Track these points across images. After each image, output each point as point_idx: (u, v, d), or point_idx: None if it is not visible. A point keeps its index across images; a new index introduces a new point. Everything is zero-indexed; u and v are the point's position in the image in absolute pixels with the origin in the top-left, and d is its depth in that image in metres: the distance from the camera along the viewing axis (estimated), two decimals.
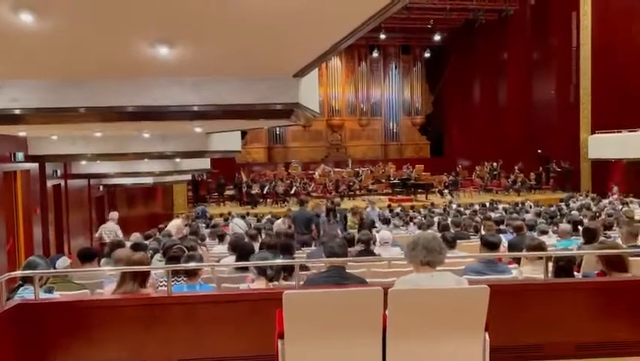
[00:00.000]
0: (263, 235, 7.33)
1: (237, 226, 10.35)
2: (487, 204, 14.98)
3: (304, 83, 4.49)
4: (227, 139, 8.22)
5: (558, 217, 10.01)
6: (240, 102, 4.29)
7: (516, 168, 21.31)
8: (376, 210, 13.05)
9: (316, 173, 23.04)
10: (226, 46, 3.34)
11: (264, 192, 19.73)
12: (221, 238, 7.67)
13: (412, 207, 15.79)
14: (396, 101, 27.93)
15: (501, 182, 21.65)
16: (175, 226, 10.05)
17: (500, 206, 14.20)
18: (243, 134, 25.80)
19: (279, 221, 10.19)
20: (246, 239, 6.42)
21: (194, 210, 16.27)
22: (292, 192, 19.54)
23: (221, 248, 7.15)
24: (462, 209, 14.15)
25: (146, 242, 6.62)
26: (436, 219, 11.63)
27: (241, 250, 4.80)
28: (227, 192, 21.24)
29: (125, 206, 14.47)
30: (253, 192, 19.39)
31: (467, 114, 25.70)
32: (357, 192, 21.19)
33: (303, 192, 20.00)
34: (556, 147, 21.13)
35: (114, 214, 9.89)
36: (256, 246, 5.49)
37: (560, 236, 6.79)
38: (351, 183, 21.15)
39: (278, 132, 26.70)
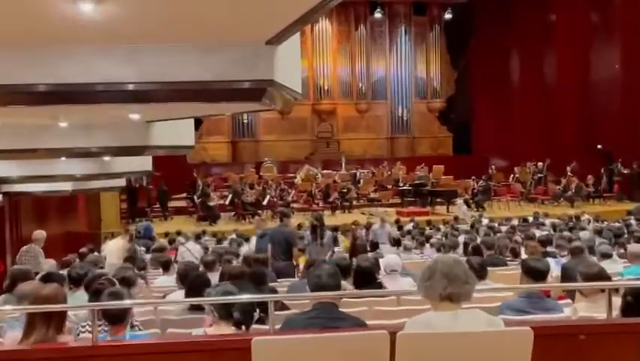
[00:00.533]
0: (226, 262, 7.31)
1: (189, 251, 10.39)
2: (530, 219, 15.15)
3: (281, 54, 4.51)
4: (175, 130, 8.17)
5: (625, 236, 10.18)
6: (192, 79, 4.28)
7: (568, 169, 21.63)
8: (387, 229, 13.26)
9: (298, 176, 23.17)
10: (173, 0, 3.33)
11: (227, 202, 19.74)
12: (166, 266, 7.67)
13: (429, 223, 15.95)
14: (406, 78, 28.27)
15: (548, 188, 21.97)
16: (115, 249, 10.02)
17: (547, 221, 14.37)
18: (198, 123, 25.85)
19: (252, 242, 10.21)
20: (201, 268, 6.41)
21: (136, 226, 16.17)
22: (265, 202, 19.57)
23: (167, 280, 7.18)
24: (496, 225, 14.31)
25: (63, 272, 6.56)
26: (461, 238, 11.65)
27: (192, 282, 4.78)
28: (175, 204, 21.30)
29: (33, 221, 14.16)
30: (211, 203, 19.37)
31: (502, 97, 26.08)
32: (354, 203, 21.36)
33: (279, 202, 20.06)
34: (623, 142, 21.49)
35: (39, 234, 9.80)
36: (215, 277, 5.49)
37: (628, 261, 6.89)
38: (345, 190, 21.28)
39: (246, 121, 26.78)
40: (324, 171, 24.13)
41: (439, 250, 9.79)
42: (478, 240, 9.35)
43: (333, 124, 27.81)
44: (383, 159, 26.55)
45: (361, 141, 28.01)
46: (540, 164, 22.53)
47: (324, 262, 5.17)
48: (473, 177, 22.02)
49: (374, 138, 28.26)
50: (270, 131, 27.40)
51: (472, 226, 14.44)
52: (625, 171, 21.33)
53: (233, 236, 13.41)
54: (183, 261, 8.09)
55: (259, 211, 19.32)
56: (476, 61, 27.83)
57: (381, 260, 6.54)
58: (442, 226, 15.30)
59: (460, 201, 19.35)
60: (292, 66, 5.24)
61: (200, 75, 4.21)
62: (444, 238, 11.99)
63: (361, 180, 22.65)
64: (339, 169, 24.65)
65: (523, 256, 7.92)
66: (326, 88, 27.32)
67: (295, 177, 23.20)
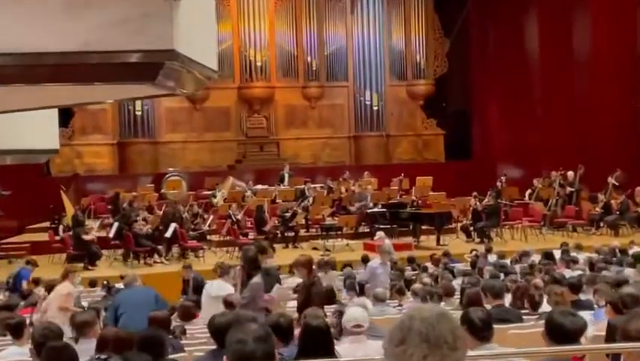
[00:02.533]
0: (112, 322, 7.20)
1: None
2: (557, 254, 15.36)
3: (187, 13, 4.48)
4: (29, 127, 8.04)
5: None
6: (53, 49, 4.21)
7: (610, 181, 22.06)
8: (388, 268, 13.75)
9: (218, 195, 23.09)
10: None
11: (111, 234, 19.50)
12: (16, 330, 7.52)
13: (412, 262, 16.09)
14: (376, 51, 28.59)
15: (582, 209, 22.36)
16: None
17: (581, 256, 14.59)
18: (67, 117, 25.49)
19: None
20: (69, 334, 6.29)
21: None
22: (169, 234, 19.41)
23: (19, 352, 7.12)
24: (508, 263, 14.42)
25: None
26: (457, 282, 11.84)
27: (49, 358, 4.71)
28: (33, 237, 20.83)
29: None
30: (87, 236, 19.09)
31: (515, 78, 26.49)
32: (302, 233, 21.50)
33: (191, 232, 19.89)
34: None
35: None
36: (90, 345, 5.43)
37: None
38: (288, 215, 21.35)
39: (139, 113, 26.63)
40: (258, 187, 24.15)
41: (424, 301, 9.90)
42: (481, 283, 9.40)
43: (269, 117, 27.98)
44: (344, 167, 26.77)
45: (312, 142, 28.28)
46: (570, 174, 22.90)
47: (253, 320, 5.16)
48: (475, 194, 22.33)
49: (330, 138, 28.52)
50: (177, 129, 27.40)
51: (473, 266, 14.58)
52: None
53: (120, 285, 13.24)
54: (42, 323, 7.93)
55: (159, 247, 19.15)
56: (477, 26, 28.48)
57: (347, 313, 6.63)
58: (430, 265, 15.38)
59: (380, 234, 18.59)
60: (205, 30, 5.22)
61: (63, 44, 4.15)
62: (433, 283, 12.06)
63: (312, 200, 22.73)
64: (279, 184, 24.75)
65: (546, 307, 8.02)
66: (259, 64, 27.44)
67: (214, 196, 23.08)
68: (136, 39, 4.24)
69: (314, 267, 10.24)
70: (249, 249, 10.65)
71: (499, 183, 23.61)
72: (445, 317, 2.62)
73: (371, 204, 22.50)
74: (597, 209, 21.79)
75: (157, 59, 4.33)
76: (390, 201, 22.44)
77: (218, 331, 5.38)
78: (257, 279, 9.66)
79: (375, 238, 18.56)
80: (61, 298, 10.72)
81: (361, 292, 12.47)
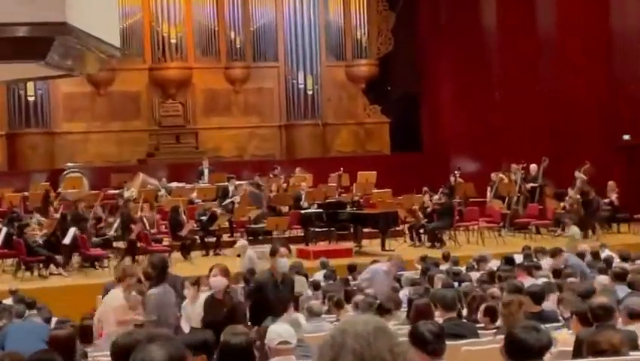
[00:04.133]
0: None
1: None
2: (518, 259, 15.46)
3: None
4: None
5: None
6: None
7: (578, 175, 22.28)
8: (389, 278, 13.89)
9: (127, 194, 22.80)
10: None
11: (0, 242, 19.16)
12: None
13: (352, 270, 16.05)
14: (311, 26, 28.51)
15: (546, 207, 22.60)
16: None
17: (546, 262, 14.68)
18: None
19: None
20: None
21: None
22: (68, 240, 19.12)
23: None
24: (462, 270, 14.50)
25: None
26: (404, 292, 11.84)
27: None
28: None
29: None
30: None
31: (472, 57, 26.65)
32: (225, 238, 21.35)
33: (94, 239, 19.62)
34: None
35: None
36: None
37: None
38: (207, 217, 21.30)
39: (31, 99, 26.20)
40: (173, 185, 24.00)
41: (365, 312, 9.67)
42: (432, 295, 9.42)
43: (186, 103, 27.81)
44: (274, 162, 26.66)
45: (236, 132, 28.16)
46: (533, 167, 23.10)
47: (166, 340, 5.10)
48: (425, 189, 22.47)
49: (258, 127, 28.46)
50: (76, 117, 27.03)
51: (423, 273, 14.56)
52: None
53: (9, 302, 13.00)
54: None
55: (57, 257, 18.86)
56: None
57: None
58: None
59: (242, 241, 18.49)
60: (105, 1, 5.19)
61: None
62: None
63: (236, 200, 22.61)
64: (197, 181, 24.63)
65: (503, 321, 8.08)
66: (173, 41, 27.20)
67: (121, 196, 22.71)
68: (23, 10, 4.20)
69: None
70: (156, 256, 10.53)
71: (452, 178, 23.81)
72: (382, 332, 2.64)
73: (305, 204, 22.47)
74: (564, 207, 22.00)
75: (47, 33, 4.28)
76: (327, 201, 22.41)
77: (121, 354, 5.27)
78: (157, 290, 9.68)
79: (237, 245, 18.35)
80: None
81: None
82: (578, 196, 21.73)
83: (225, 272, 9.77)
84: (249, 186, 23.24)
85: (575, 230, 19.06)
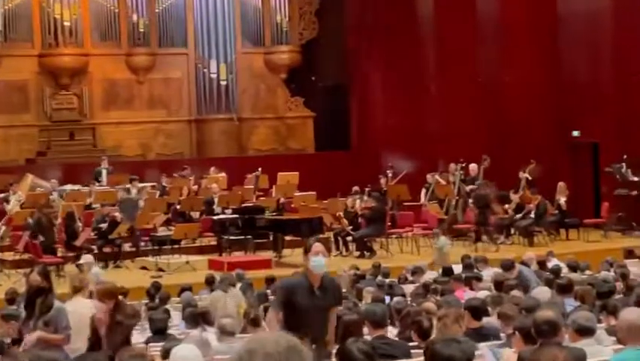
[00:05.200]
0: None
1: None
2: (457, 269, 15.50)
3: None
4: None
5: (621, 296, 10.90)
6: None
7: (522, 175, 22.58)
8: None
9: (13, 198, 22.63)
10: None
11: None
12: None
13: (271, 282, 16.01)
14: (225, 7, 28.56)
15: (489, 213, 22.65)
16: None
17: (486, 272, 14.88)
18: None
19: None
20: None
21: None
22: None
23: None
24: (394, 281, 14.71)
25: None
26: None
27: None
28: None
29: None
30: None
31: (404, 46, 26.76)
32: (128, 248, 21.28)
33: None
34: (616, 124, 22.74)
35: None
36: None
37: (619, 340, 7.33)
38: (105, 225, 21.12)
39: None
40: (66, 188, 23.82)
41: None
42: (360, 310, 9.56)
43: (82, 94, 27.61)
44: (183, 161, 26.70)
45: (139, 128, 28.02)
46: (473, 167, 23.34)
47: None
48: (355, 189, 22.64)
49: (164, 122, 28.40)
50: None
51: (351, 286, 14.64)
52: (634, 178, 22.41)
53: None
54: None
55: None
56: None
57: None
58: None
59: (87, 257, 18.07)
60: None
61: None
62: None
63: (140, 204, 22.52)
64: (95, 183, 24.42)
65: (436, 336, 8.00)
66: (67, 24, 26.98)
67: (7, 201, 22.55)
68: None
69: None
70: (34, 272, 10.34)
71: (383, 180, 23.91)
72: (294, 352, 2.66)
73: (218, 209, 22.46)
74: (507, 211, 22.25)
75: None
76: (243, 205, 22.45)
77: None
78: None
79: (82, 260, 18.03)
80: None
81: (205, 322, 12.10)
82: (519, 200, 21.92)
83: (106, 295, 9.54)
84: (122, 191, 23.07)
85: (443, 241, 19.17)
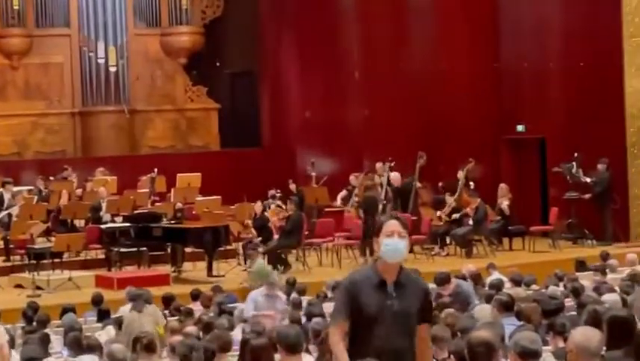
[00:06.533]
0: None
1: None
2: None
3: None
4: None
5: (572, 314, 11.17)
6: None
7: (460, 176, 22.60)
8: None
9: None
10: None
11: None
12: None
13: (169, 301, 16.03)
14: None
15: (420, 217, 22.72)
16: None
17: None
18: None
19: None
20: None
21: None
22: None
23: None
24: (312, 299, 14.74)
25: None
26: (237, 331, 12.03)
27: None
28: None
29: None
30: None
31: (323, 27, 26.78)
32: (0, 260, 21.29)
33: None
34: (565, 118, 23.11)
35: None
36: None
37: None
38: None
39: None
40: None
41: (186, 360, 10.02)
42: (273, 333, 9.27)
43: None
44: (65, 161, 26.45)
45: (13, 122, 27.72)
46: (395, 177, 23.21)
47: None
48: (272, 193, 23.01)
49: (43, 115, 28.09)
50: None
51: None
52: (587, 180, 22.55)
53: None
54: None
55: None
56: None
57: None
58: (196, 307, 15.34)
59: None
60: None
61: None
62: (202, 333, 12.07)
63: (14, 211, 22.15)
64: None
65: None
66: None
67: None
68: None
69: None
70: None
71: (293, 186, 23.80)
72: None
73: (107, 217, 22.22)
74: (441, 218, 22.27)
75: None
76: (136, 212, 22.25)
77: None
78: None
79: None
80: None
81: (90, 349, 11.90)
82: (454, 204, 21.95)
83: None
84: None
85: (260, 265, 18.77)
